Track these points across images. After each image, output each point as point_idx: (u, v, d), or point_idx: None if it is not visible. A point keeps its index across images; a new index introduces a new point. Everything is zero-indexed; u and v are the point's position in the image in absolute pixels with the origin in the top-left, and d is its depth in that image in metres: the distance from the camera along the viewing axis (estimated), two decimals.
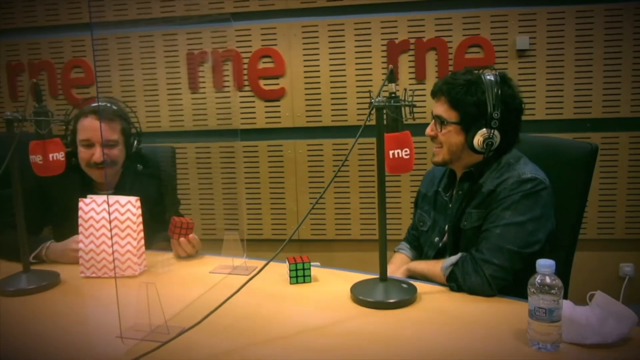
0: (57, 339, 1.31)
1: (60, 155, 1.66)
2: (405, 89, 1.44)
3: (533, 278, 1.15)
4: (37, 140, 1.63)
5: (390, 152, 1.39)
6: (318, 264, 1.78)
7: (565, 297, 1.61)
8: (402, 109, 1.41)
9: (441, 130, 1.63)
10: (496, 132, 1.56)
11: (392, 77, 1.41)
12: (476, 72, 1.61)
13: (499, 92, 1.55)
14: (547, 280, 1.13)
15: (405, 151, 1.40)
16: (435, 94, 1.65)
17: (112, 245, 1.68)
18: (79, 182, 1.98)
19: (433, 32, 3.00)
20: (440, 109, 1.63)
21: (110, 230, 1.68)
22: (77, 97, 3.28)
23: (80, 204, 1.71)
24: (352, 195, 3.16)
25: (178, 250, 1.85)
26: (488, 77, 1.58)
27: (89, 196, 1.73)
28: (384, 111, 1.40)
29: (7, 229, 1.85)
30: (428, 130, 1.67)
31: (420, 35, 3.00)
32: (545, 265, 1.14)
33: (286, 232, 3.22)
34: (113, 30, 3.18)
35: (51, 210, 2.01)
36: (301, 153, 3.18)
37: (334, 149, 3.13)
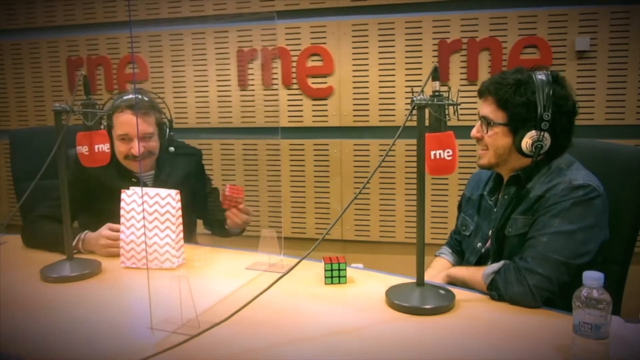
0: (92, 326, 1.33)
1: (105, 147, 1.70)
2: (450, 88, 1.39)
3: (579, 291, 1.07)
4: (84, 131, 1.68)
5: (432, 153, 1.34)
6: (361, 265, 1.74)
7: (618, 313, 1.52)
8: (447, 108, 1.36)
9: (487, 132, 1.56)
10: (546, 135, 1.48)
11: (436, 74, 1.36)
12: (527, 71, 1.53)
13: (551, 92, 1.47)
14: (595, 293, 1.06)
15: (448, 152, 1.34)
16: (482, 93, 1.58)
17: (144, 236, 1.70)
18: (115, 171, 2.01)
19: (487, 31, 2.90)
20: (487, 109, 1.56)
21: (143, 221, 1.71)
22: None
23: (123, 195, 1.75)
24: (398, 197, 3.10)
25: (231, 220, 1.90)
26: (539, 77, 1.50)
27: (131, 188, 1.76)
28: (426, 110, 1.35)
29: (43, 220, 1.94)
30: (474, 132, 1.60)
31: (473, 34, 2.91)
32: (592, 277, 1.06)
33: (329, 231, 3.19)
34: (165, 27, 3.26)
35: (88, 200, 2.04)
36: (347, 153, 3.14)
37: (380, 150, 3.08)
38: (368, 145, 3.11)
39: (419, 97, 1.34)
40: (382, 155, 3.07)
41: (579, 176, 1.46)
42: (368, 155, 3.11)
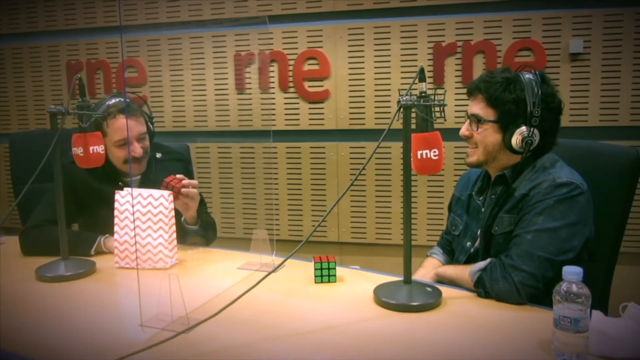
0: (84, 323, 1.36)
1: (100, 149, 1.73)
2: (436, 88, 1.41)
3: (559, 285, 1.09)
4: (79, 133, 1.71)
5: (418, 153, 1.37)
6: (357, 267, 1.76)
7: (605, 311, 1.53)
8: (434, 109, 1.39)
9: (477, 130, 1.58)
10: (535, 131, 1.51)
11: (422, 76, 1.39)
12: (514, 71, 1.56)
13: (539, 90, 1.50)
14: (574, 288, 1.08)
15: (434, 152, 1.37)
16: (471, 91, 1.61)
17: (135, 236, 1.73)
18: (103, 175, 2.01)
19: (481, 34, 2.92)
20: (477, 107, 1.58)
21: (134, 222, 1.73)
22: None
23: (117, 197, 1.77)
24: (394, 200, 3.12)
25: (179, 205, 1.87)
26: (527, 76, 1.53)
27: (125, 189, 1.78)
28: (412, 110, 1.37)
29: (49, 225, 1.90)
30: (463, 130, 1.62)
31: (468, 38, 2.94)
32: (572, 272, 1.08)
33: (326, 233, 3.21)
34: (164, 31, 3.30)
35: (81, 204, 2.06)
36: (343, 155, 3.17)
37: (376, 152, 3.09)
38: (364, 147, 3.14)
39: (405, 98, 1.37)
40: (377, 158, 3.09)
41: (562, 174, 1.48)
42: (364, 158, 3.14)
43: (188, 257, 1.86)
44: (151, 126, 2.08)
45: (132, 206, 1.75)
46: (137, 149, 1.98)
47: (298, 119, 3.21)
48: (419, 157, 1.37)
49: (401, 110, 1.39)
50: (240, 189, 3.32)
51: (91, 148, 1.71)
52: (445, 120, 1.40)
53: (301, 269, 1.67)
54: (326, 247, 3.20)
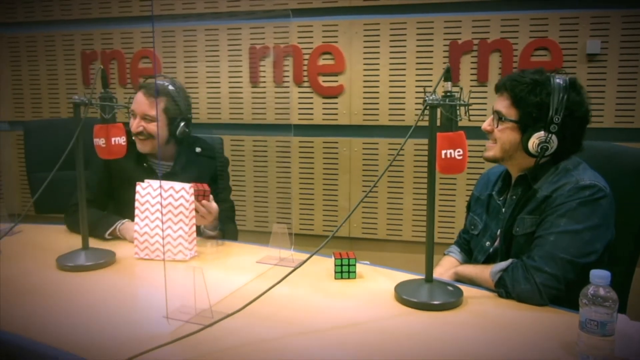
0: (107, 314, 1.37)
1: (121, 140, 1.73)
2: (462, 88, 1.41)
3: (586, 289, 1.10)
4: (102, 124, 1.71)
5: (443, 152, 1.37)
6: (367, 262, 1.77)
7: (624, 313, 1.53)
8: (458, 108, 1.38)
9: (498, 126, 1.58)
10: (554, 138, 1.51)
11: (448, 75, 1.38)
12: (546, 73, 1.55)
13: (565, 97, 1.49)
14: (601, 291, 1.08)
15: (458, 152, 1.37)
16: (498, 88, 1.61)
17: (158, 228, 1.74)
18: (133, 156, 2.06)
19: (498, 33, 2.91)
20: (501, 104, 1.58)
21: (157, 214, 1.74)
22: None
23: (138, 188, 1.78)
24: (406, 196, 3.12)
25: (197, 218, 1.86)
26: (557, 80, 1.52)
27: (146, 180, 1.79)
28: (438, 110, 1.37)
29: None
30: (485, 125, 1.62)
31: (484, 36, 2.93)
32: (599, 275, 1.09)
33: None
34: (179, 23, 3.29)
35: (113, 186, 2.13)
36: (356, 151, 3.17)
37: (389, 149, 3.10)
38: (377, 144, 3.14)
39: (431, 97, 1.37)
40: (390, 154, 3.09)
41: (585, 177, 1.48)
42: (377, 154, 3.14)
43: (207, 250, 1.87)
44: (181, 123, 2.07)
45: (153, 198, 1.76)
46: (135, 125, 2.04)
47: (312, 114, 3.21)
48: (443, 156, 1.37)
49: (427, 109, 1.38)
50: (253, 182, 3.32)
51: (113, 139, 1.71)
52: (469, 119, 1.41)
53: (320, 265, 1.67)
54: (337, 242, 3.21)
